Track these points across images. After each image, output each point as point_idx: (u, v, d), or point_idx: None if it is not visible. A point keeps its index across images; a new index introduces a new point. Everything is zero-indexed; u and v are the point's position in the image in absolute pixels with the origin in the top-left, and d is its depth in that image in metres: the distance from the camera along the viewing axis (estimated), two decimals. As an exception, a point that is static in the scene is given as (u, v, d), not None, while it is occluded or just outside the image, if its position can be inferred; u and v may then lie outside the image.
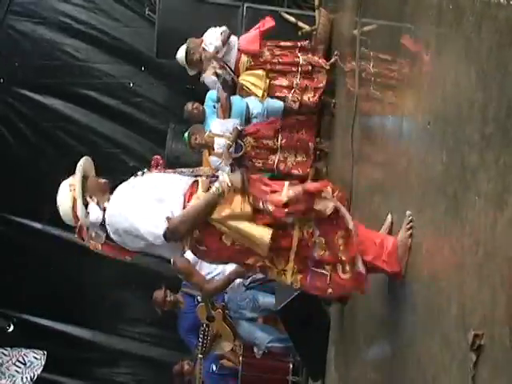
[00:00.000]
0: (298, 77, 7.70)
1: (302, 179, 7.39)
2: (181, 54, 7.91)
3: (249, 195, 3.74)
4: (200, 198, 3.75)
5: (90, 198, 4.03)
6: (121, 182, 4.10)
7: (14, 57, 10.91)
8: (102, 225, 3.97)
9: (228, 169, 7.70)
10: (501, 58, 2.29)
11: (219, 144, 7.67)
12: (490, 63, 2.38)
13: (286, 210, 3.65)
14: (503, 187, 2.19)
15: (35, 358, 11.16)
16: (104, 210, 3.96)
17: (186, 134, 7.88)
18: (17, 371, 11.16)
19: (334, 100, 7.72)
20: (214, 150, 7.74)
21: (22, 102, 10.97)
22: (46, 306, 11.24)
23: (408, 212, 3.66)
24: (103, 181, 4.15)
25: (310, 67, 7.72)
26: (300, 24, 8.81)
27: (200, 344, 6.83)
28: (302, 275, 3.78)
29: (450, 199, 2.71)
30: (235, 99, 7.99)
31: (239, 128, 7.73)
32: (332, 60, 7.70)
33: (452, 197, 2.68)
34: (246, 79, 7.76)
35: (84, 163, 4.16)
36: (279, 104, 7.90)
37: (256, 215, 3.71)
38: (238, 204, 3.72)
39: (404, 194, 3.61)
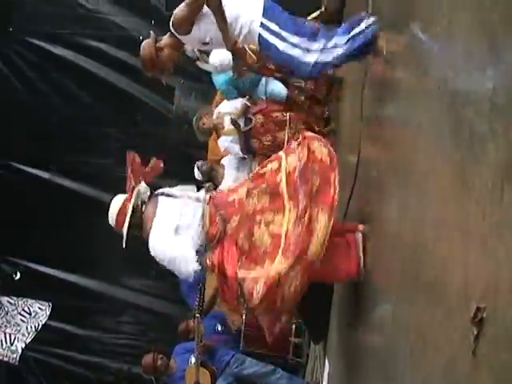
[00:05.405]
0: None
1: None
2: None
3: None
4: None
5: None
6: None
7: (24, 5, 10.83)
8: None
9: (237, 148, 7.66)
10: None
11: (228, 122, 7.61)
12: (503, 34, 2.30)
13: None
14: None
15: (40, 308, 11.28)
16: None
17: (195, 118, 7.83)
18: (22, 320, 11.31)
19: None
20: (223, 128, 7.67)
21: (31, 50, 10.95)
22: (53, 256, 11.32)
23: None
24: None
25: None
26: None
27: (197, 303, 6.85)
28: None
29: (457, 166, 2.65)
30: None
31: (248, 104, 7.64)
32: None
33: (459, 163, 2.63)
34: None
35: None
36: (283, 91, 7.82)
37: None
38: None
39: (411, 158, 3.55)
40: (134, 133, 10.76)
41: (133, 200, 4.83)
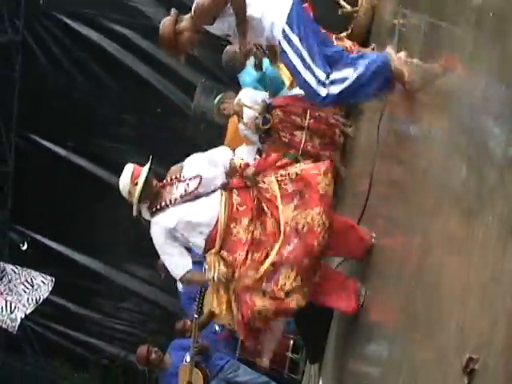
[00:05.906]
0: None
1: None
2: None
3: None
4: None
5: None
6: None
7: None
8: None
9: (256, 138, 7.66)
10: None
11: (247, 115, 7.59)
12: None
13: None
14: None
15: (43, 282, 11.30)
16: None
17: (218, 99, 7.82)
18: (24, 291, 11.33)
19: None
20: (242, 118, 7.68)
21: (58, 27, 10.93)
22: (63, 232, 11.37)
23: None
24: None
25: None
26: (342, 2, 8.53)
27: (196, 304, 6.85)
28: None
29: (463, 212, 2.66)
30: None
31: (267, 101, 7.62)
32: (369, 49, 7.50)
33: (466, 210, 2.63)
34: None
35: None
36: None
37: None
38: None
39: (420, 198, 3.55)
40: (153, 123, 10.79)
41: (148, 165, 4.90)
